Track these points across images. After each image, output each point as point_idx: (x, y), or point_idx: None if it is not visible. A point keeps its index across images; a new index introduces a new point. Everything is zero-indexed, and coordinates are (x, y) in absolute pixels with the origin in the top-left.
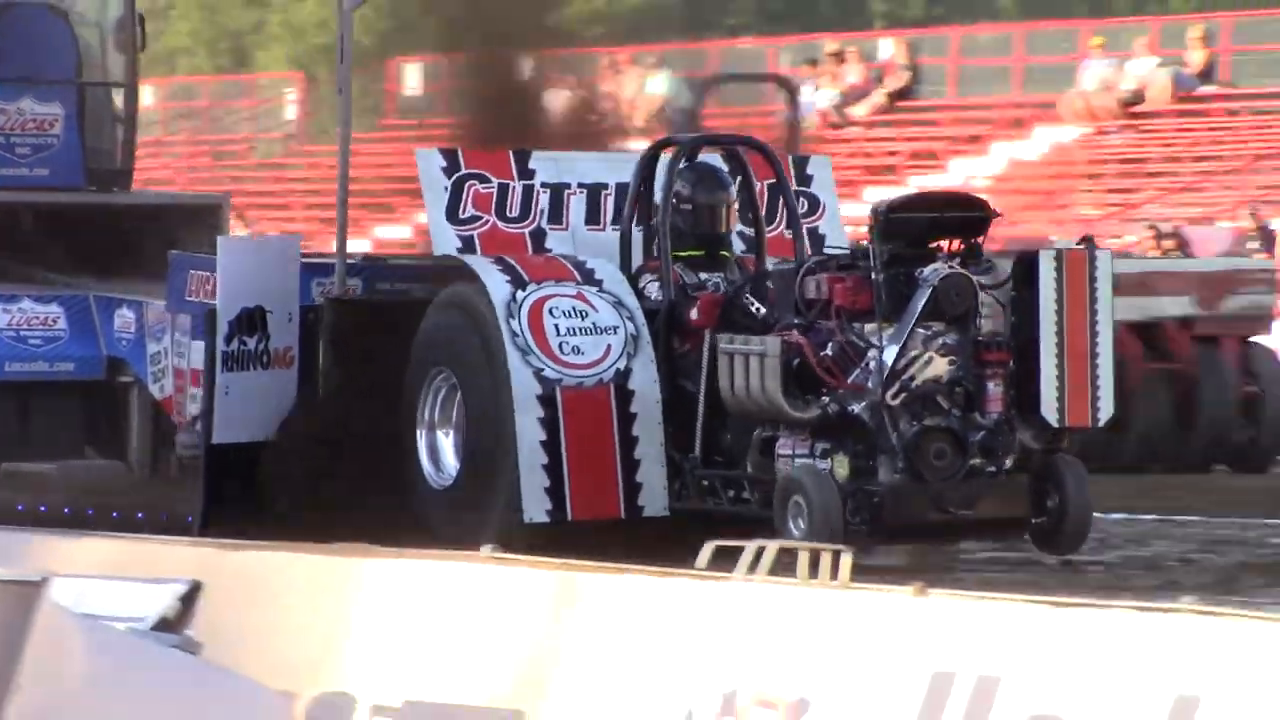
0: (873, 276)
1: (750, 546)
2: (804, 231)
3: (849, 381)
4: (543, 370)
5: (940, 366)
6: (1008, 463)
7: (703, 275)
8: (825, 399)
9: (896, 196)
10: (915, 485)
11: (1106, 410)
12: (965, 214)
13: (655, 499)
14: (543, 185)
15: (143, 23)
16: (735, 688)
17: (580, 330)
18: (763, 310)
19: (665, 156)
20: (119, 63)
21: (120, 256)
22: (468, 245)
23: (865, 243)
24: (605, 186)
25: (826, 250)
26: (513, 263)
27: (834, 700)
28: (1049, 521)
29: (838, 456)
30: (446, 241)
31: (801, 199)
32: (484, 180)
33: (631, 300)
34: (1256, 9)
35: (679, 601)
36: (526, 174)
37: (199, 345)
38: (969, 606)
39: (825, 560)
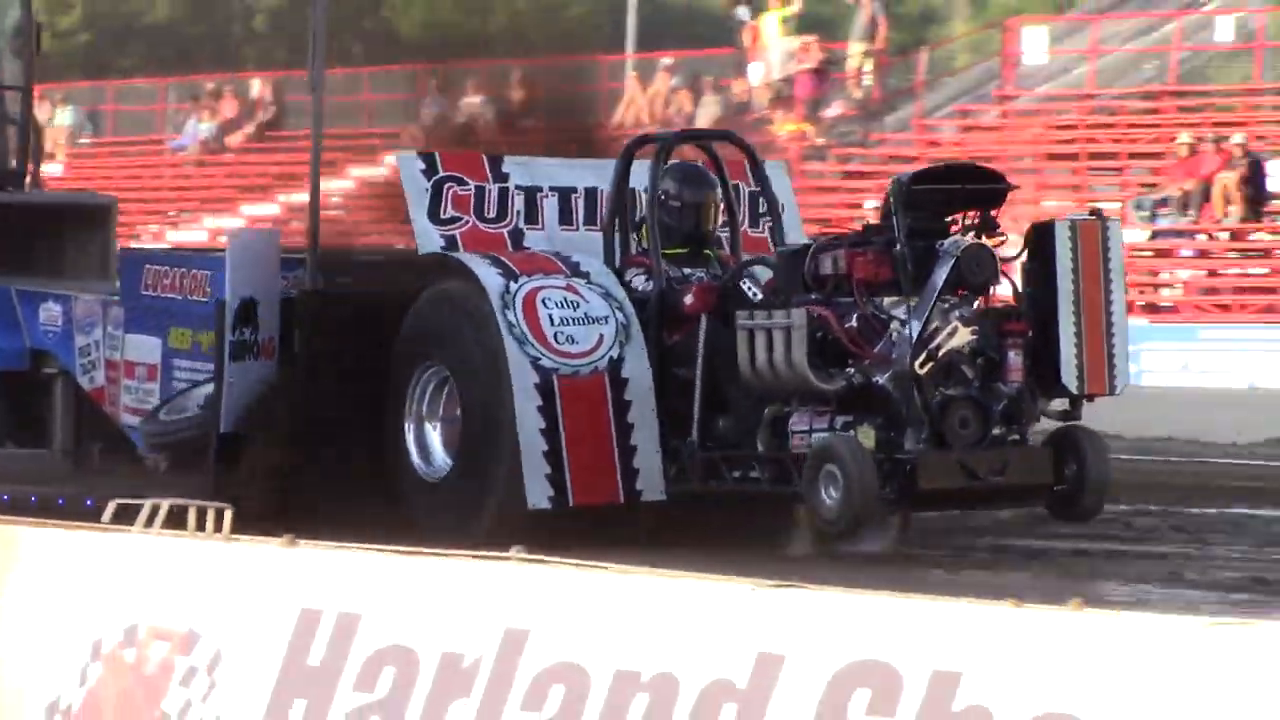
0: (897, 248)
1: (147, 504)
2: (783, 223)
3: (874, 352)
4: (540, 359)
5: (964, 336)
6: (1029, 431)
7: (686, 270)
8: (850, 370)
9: (918, 169)
10: (946, 453)
11: (1123, 378)
12: (984, 185)
13: (653, 484)
14: (517, 188)
15: (39, 29)
16: (136, 622)
17: (573, 320)
18: (758, 294)
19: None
20: (16, 68)
21: (11, 254)
22: (450, 244)
23: (872, 222)
24: (575, 190)
25: (828, 232)
26: (501, 258)
27: (219, 632)
28: (1068, 489)
29: (862, 428)
30: (431, 241)
31: (761, 201)
32: (461, 183)
33: (619, 291)
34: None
35: (90, 552)
36: (501, 177)
37: (134, 338)
38: (332, 555)
39: (211, 516)
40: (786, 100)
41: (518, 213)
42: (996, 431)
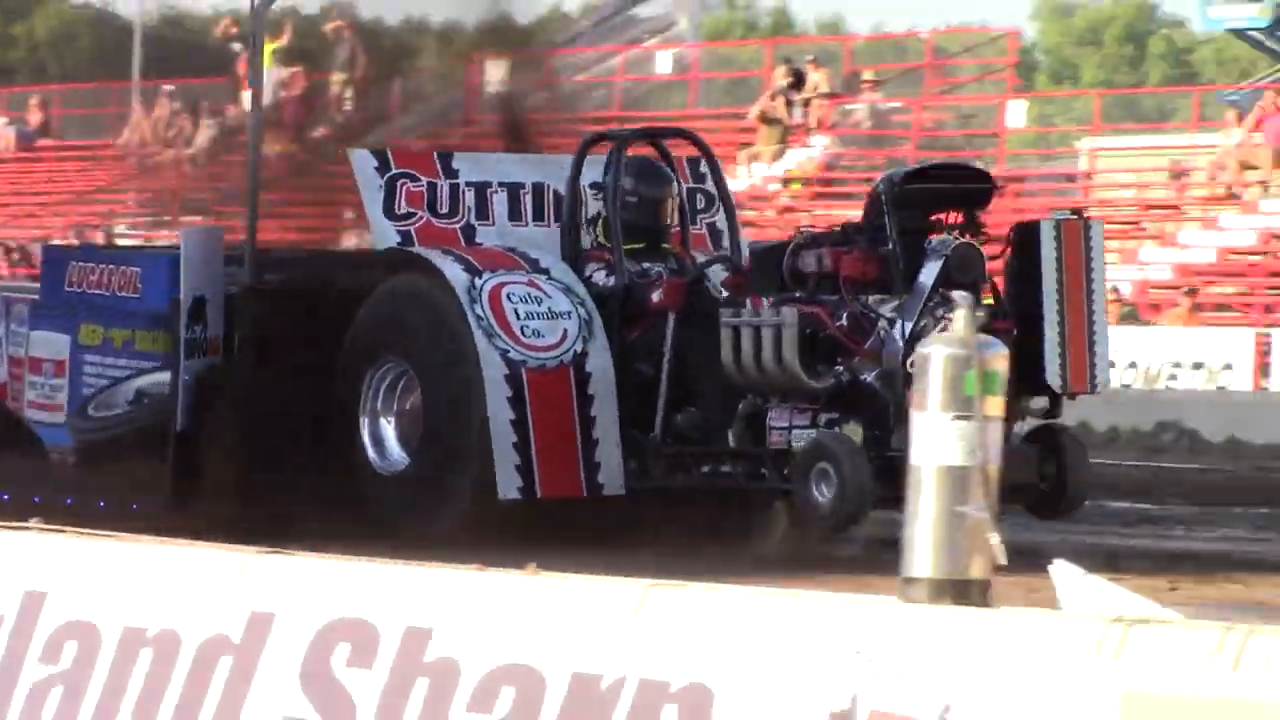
0: (889, 246)
1: None
2: (738, 221)
3: (864, 350)
4: (508, 352)
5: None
6: (1013, 429)
7: (645, 265)
8: (839, 368)
9: (906, 168)
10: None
11: (1104, 377)
12: (973, 185)
13: (613, 478)
14: (467, 184)
15: None
16: None
17: (537, 315)
18: (724, 292)
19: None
20: None
21: None
22: (406, 239)
23: (853, 221)
24: (523, 185)
25: (804, 229)
26: (462, 254)
27: None
28: (1049, 488)
29: (849, 425)
30: (386, 236)
31: (699, 195)
32: (414, 179)
33: (580, 288)
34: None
35: None
36: (451, 173)
37: (40, 335)
38: None
39: None
40: (276, 123)
41: (469, 208)
42: None
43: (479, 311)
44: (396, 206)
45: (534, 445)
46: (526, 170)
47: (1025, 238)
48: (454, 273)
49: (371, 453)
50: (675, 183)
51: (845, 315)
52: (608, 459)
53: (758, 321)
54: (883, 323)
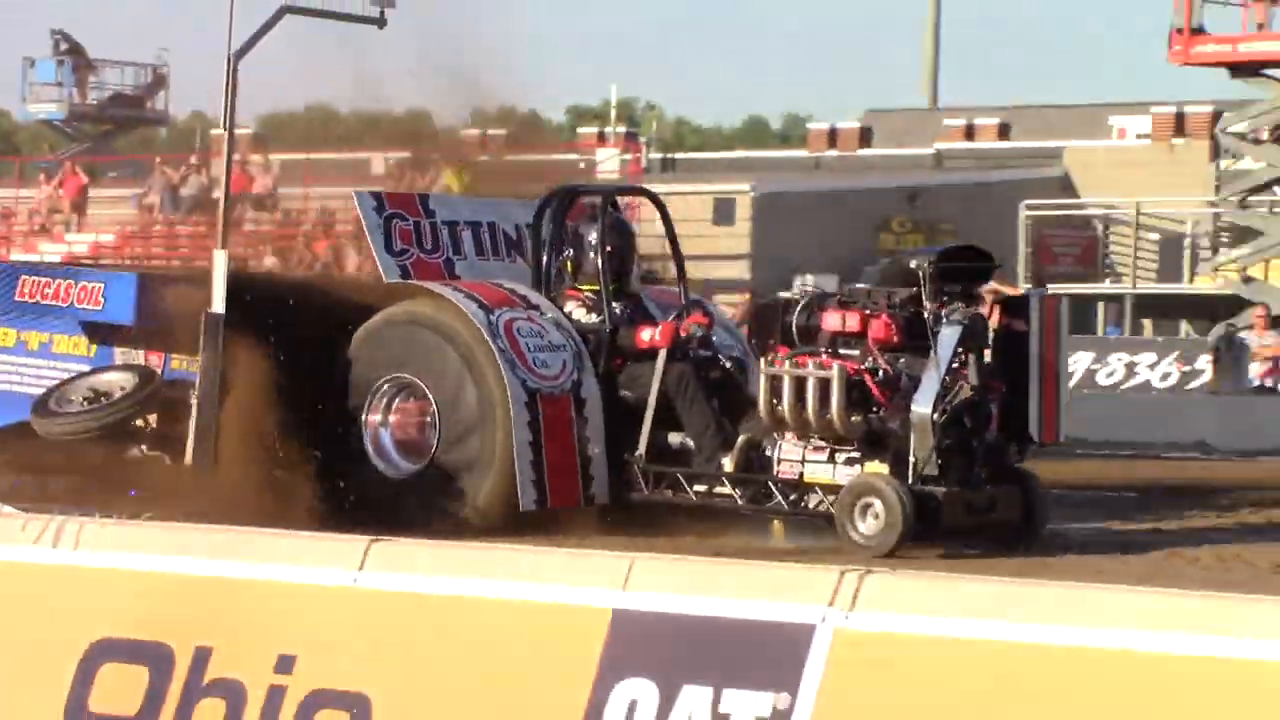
0: (925, 315)
1: None
2: (685, 270)
3: (893, 402)
4: (526, 380)
5: (967, 391)
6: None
7: (614, 305)
8: (873, 415)
9: (938, 249)
10: (957, 493)
11: (1065, 429)
12: (985, 264)
13: (603, 490)
14: (442, 222)
15: None
16: None
17: (541, 348)
18: (712, 337)
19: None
20: None
21: None
22: (404, 273)
23: (852, 288)
24: (480, 224)
25: (805, 288)
26: (469, 290)
27: None
28: (1019, 523)
29: (872, 464)
30: (391, 270)
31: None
32: (403, 219)
33: (567, 324)
34: None
35: None
36: (430, 213)
37: None
38: None
39: None
40: None
41: (445, 244)
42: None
43: (500, 345)
44: (394, 243)
45: (546, 463)
46: (483, 211)
47: (1010, 310)
48: (471, 309)
49: (375, 459)
50: (635, 235)
51: (880, 372)
52: (599, 474)
53: (804, 373)
54: (904, 378)
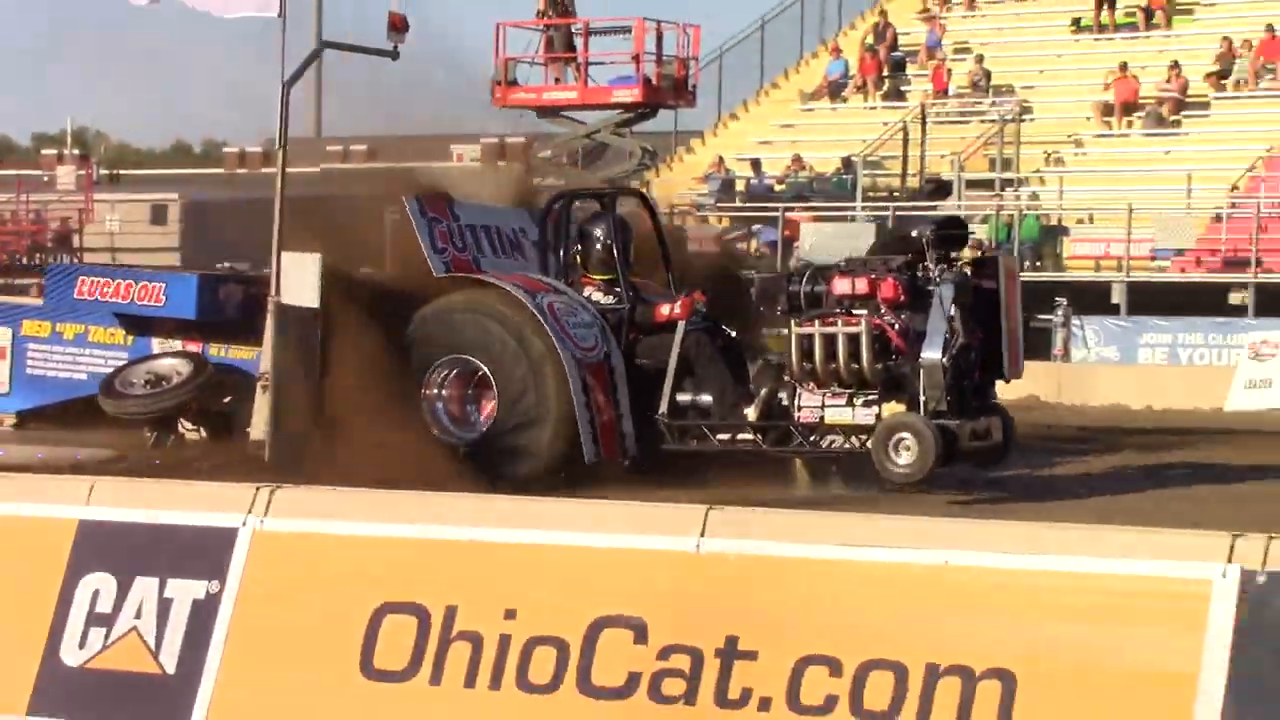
0: (933, 275)
1: None
2: (672, 261)
3: (908, 351)
4: (574, 353)
5: (961, 339)
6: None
7: (616, 289)
8: (892, 363)
9: (935, 221)
10: (966, 423)
11: (1022, 368)
12: (965, 232)
13: (632, 444)
14: (464, 225)
15: None
16: None
17: (577, 325)
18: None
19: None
20: None
21: None
22: (448, 268)
23: (852, 258)
24: (491, 228)
25: (803, 259)
26: (514, 281)
27: None
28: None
29: (890, 404)
30: (438, 265)
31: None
32: (439, 221)
33: (590, 305)
34: None
35: None
36: (455, 217)
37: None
38: None
39: None
40: None
41: (470, 244)
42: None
43: (550, 324)
44: (436, 243)
45: (598, 421)
46: (485, 215)
47: (979, 267)
48: (520, 294)
49: (448, 425)
50: (633, 230)
51: (897, 327)
52: (628, 430)
53: (835, 331)
54: (914, 332)
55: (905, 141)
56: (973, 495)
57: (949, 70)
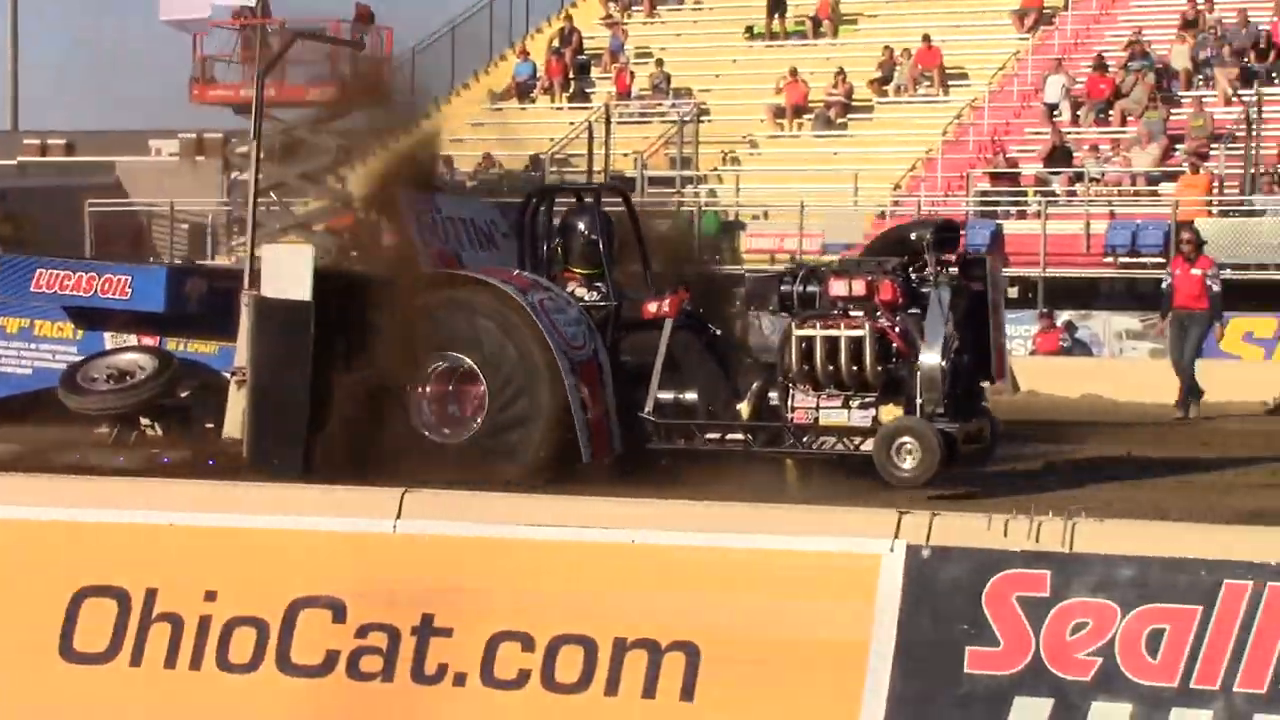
0: (929, 277)
1: None
2: (650, 257)
3: (909, 353)
4: (566, 350)
5: (955, 342)
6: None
7: (598, 285)
8: (892, 365)
9: (934, 223)
10: (964, 426)
11: (1005, 371)
12: (957, 235)
13: (619, 442)
14: (445, 218)
15: None
16: None
17: (567, 323)
18: (702, 308)
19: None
20: None
21: None
22: (434, 261)
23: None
24: (467, 220)
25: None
26: (505, 279)
27: None
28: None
29: (887, 407)
30: (426, 260)
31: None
32: (424, 213)
33: (575, 302)
34: None
35: None
36: (438, 209)
37: None
38: None
39: None
40: None
41: (450, 237)
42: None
43: (543, 323)
44: (424, 235)
45: (590, 419)
46: (464, 208)
47: (965, 269)
48: (514, 292)
49: (434, 427)
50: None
51: (899, 330)
52: (615, 428)
53: (838, 334)
54: (915, 334)
55: (590, 140)
56: (960, 489)
57: (631, 73)
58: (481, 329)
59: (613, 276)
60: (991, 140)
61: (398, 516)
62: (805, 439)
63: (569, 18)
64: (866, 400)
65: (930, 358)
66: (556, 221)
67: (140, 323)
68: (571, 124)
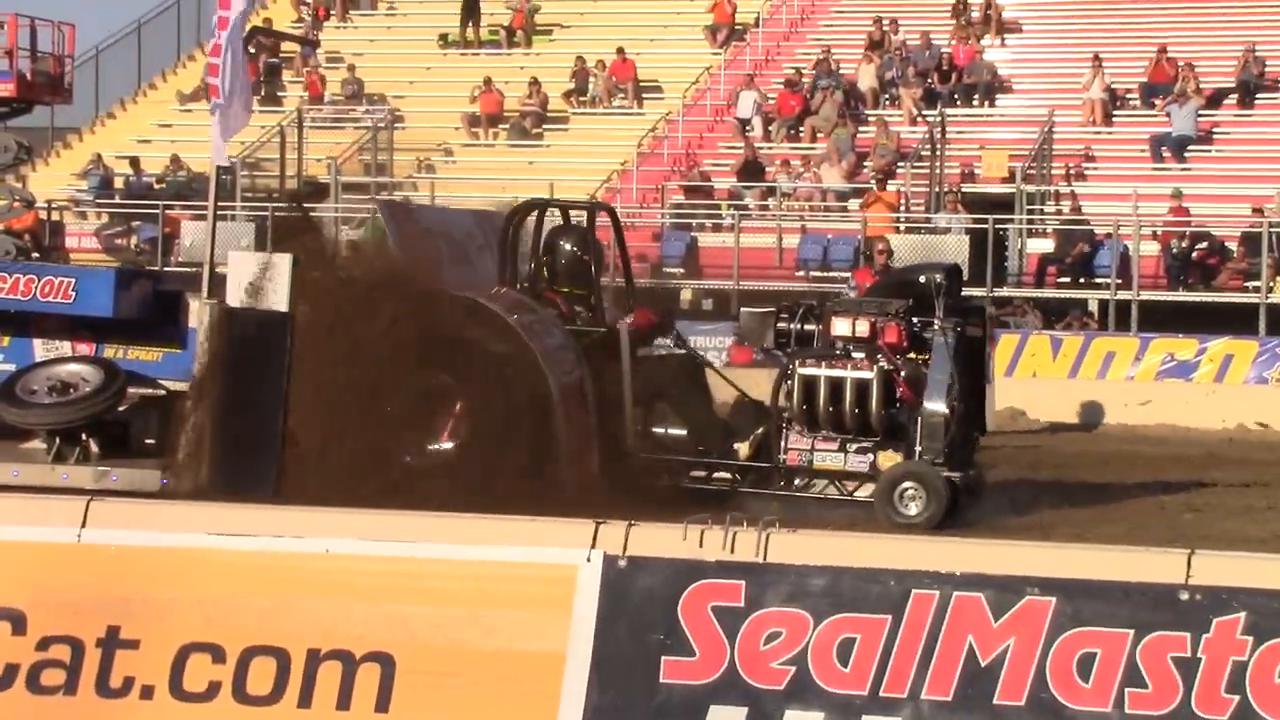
0: (939, 326)
1: None
2: (634, 279)
3: (913, 398)
4: (558, 376)
5: (957, 388)
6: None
7: (578, 308)
8: (895, 410)
9: (942, 266)
10: (968, 476)
11: (992, 421)
12: (961, 281)
13: (597, 469)
14: (424, 230)
15: None
16: None
17: (557, 348)
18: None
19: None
20: None
21: None
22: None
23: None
24: (445, 231)
25: (801, 301)
26: (490, 298)
27: None
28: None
29: (886, 452)
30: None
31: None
32: (405, 225)
33: (561, 325)
34: None
35: None
36: (415, 220)
37: None
38: None
39: None
40: None
41: (430, 250)
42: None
43: (536, 345)
44: (406, 249)
45: (576, 449)
46: (442, 219)
47: (967, 317)
48: (502, 311)
49: (408, 448)
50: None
51: (903, 374)
52: (596, 457)
53: (844, 375)
54: (918, 379)
55: (283, 145)
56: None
57: (323, 78)
58: (467, 348)
59: (601, 298)
60: (686, 153)
61: (83, 525)
62: (796, 481)
63: (268, 21)
64: (864, 445)
65: (934, 404)
66: (545, 238)
67: (72, 328)
68: (263, 128)
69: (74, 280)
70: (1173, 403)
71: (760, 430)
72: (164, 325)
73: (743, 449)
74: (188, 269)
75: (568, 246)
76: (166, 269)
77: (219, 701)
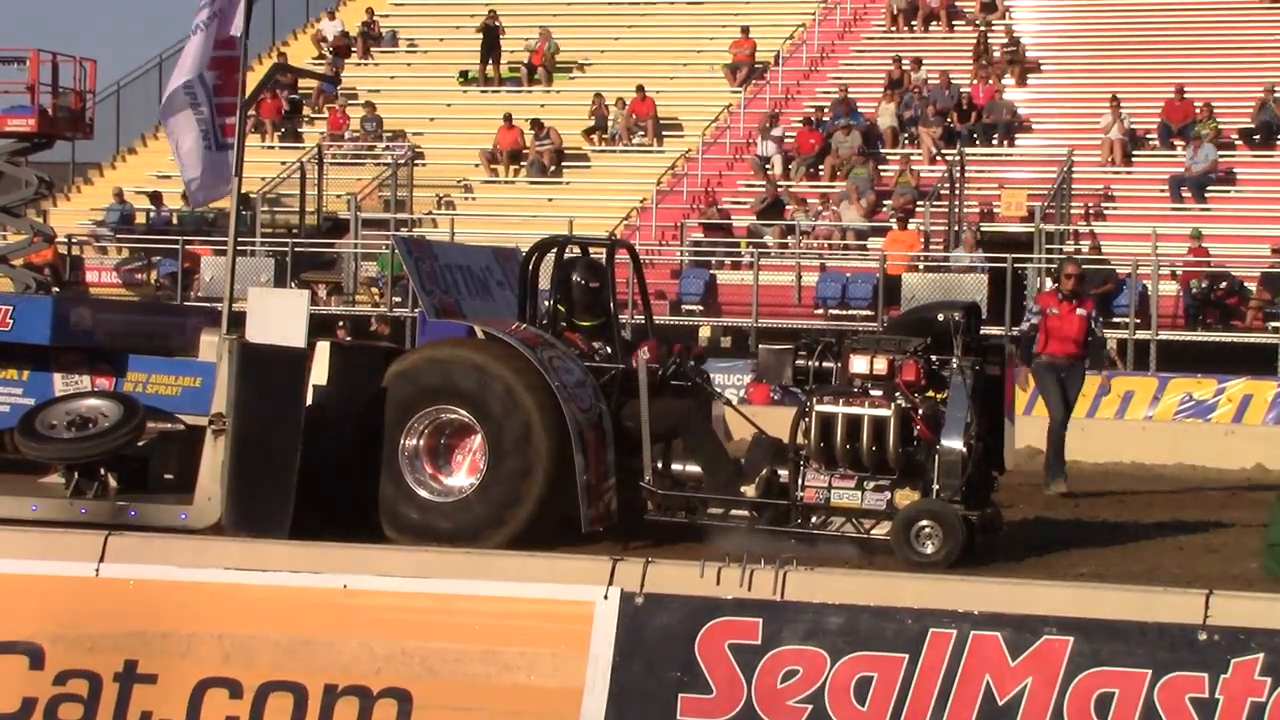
0: (956, 364)
1: None
2: (653, 314)
3: (931, 437)
4: (575, 414)
5: (975, 426)
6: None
7: (596, 343)
8: (912, 449)
9: (961, 304)
10: (983, 513)
11: (1010, 459)
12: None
13: (614, 509)
14: (443, 266)
15: None
16: None
17: (575, 384)
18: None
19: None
20: None
21: None
22: (439, 311)
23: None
24: (463, 267)
25: (819, 338)
26: (510, 333)
27: None
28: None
29: (903, 490)
30: (430, 308)
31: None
32: (424, 261)
33: (580, 361)
34: None
35: None
36: (435, 256)
37: None
38: None
39: None
40: None
41: (450, 285)
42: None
43: (554, 381)
44: (425, 284)
45: (593, 485)
46: (460, 255)
47: (985, 355)
48: (524, 348)
49: (418, 489)
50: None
51: (921, 413)
52: (613, 496)
53: (862, 413)
54: (936, 417)
55: (303, 181)
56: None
57: (345, 114)
58: (486, 385)
59: (620, 335)
60: (705, 191)
61: (101, 560)
62: (814, 519)
63: (282, 56)
64: (881, 483)
65: (952, 443)
66: (563, 275)
67: (14, 357)
68: (283, 164)
69: (11, 308)
70: (1191, 443)
71: (766, 469)
72: (114, 352)
73: (749, 490)
74: (207, 303)
75: (586, 283)
76: (186, 304)
77: None
